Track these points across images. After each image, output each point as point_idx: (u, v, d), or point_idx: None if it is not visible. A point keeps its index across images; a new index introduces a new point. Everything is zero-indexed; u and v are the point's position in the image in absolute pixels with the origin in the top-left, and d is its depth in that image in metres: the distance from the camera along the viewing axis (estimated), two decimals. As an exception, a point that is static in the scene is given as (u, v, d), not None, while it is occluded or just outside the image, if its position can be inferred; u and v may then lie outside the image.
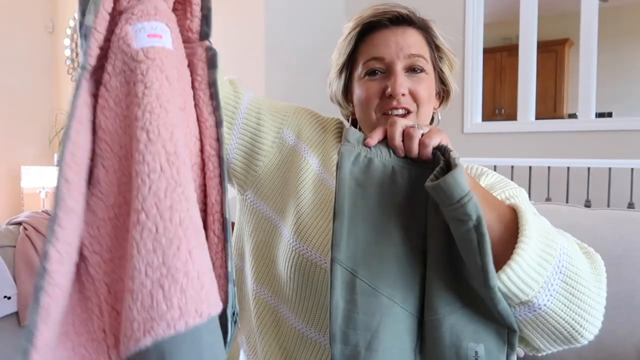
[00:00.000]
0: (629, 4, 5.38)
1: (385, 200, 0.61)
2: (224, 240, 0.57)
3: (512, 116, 3.75)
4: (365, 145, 0.63)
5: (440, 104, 0.90)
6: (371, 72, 0.81)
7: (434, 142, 0.61)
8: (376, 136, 0.64)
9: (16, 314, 1.10)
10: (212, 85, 0.61)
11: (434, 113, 0.86)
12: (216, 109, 0.61)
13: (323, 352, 0.76)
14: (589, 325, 0.60)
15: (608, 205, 3.01)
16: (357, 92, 0.83)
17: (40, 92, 4.23)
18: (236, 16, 3.12)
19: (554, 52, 5.77)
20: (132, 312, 0.46)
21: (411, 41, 0.80)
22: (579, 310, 0.59)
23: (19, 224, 1.23)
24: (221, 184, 0.59)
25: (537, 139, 3.42)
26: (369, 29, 0.83)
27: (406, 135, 0.63)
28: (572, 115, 5.63)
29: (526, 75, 3.48)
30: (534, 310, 0.58)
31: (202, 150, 0.61)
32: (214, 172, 0.60)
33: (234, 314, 0.57)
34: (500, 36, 5.87)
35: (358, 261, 0.59)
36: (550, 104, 5.82)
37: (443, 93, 0.89)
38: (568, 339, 0.60)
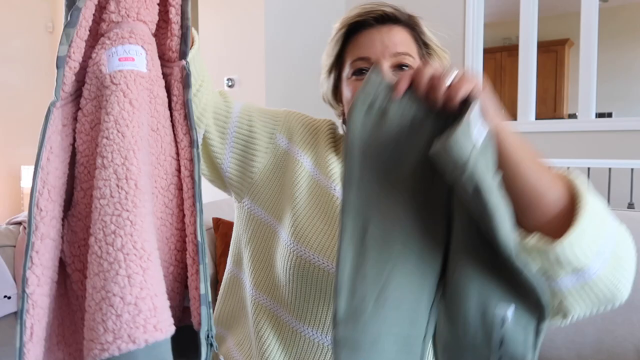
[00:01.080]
0: (629, 4, 5.39)
1: (402, 152, 0.57)
2: (198, 263, 0.57)
3: (512, 116, 3.74)
4: (393, 97, 0.58)
5: None
6: (358, 72, 0.81)
7: (461, 93, 0.54)
8: (403, 85, 0.58)
9: (16, 313, 1.09)
10: (186, 105, 0.61)
11: None
12: (190, 129, 0.61)
13: (326, 353, 0.76)
14: (629, 285, 0.60)
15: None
16: (345, 92, 0.84)
17: (40, 91, 4.23)
18: (236, 16, 3.12)
19: (554, 52, 5.77)
20: (85, 331, 0.48)
21: (397, 39, 0.80)
22: (624, 271, 0.59)
23: (19, 223, 1.23)
24: (194, 205, 0.58)
25: (537, 139, 3.41)
26: (355, 29, 0.83)
27: (430, 86, 0.56)
28: (572, 115, 5.63)
29: (526, 75, 3.48)
30: (585, 278, 0.57)
31: (179, 171, 0.61)
32: (187, 193, 0.60)
33: (208, 336, 0.56)
34: (500, 36, 5.87)
35: (370, 211, 0.57)
36: (550, 104, 5.82)
37: None
38: (610, 301, 0.60)
